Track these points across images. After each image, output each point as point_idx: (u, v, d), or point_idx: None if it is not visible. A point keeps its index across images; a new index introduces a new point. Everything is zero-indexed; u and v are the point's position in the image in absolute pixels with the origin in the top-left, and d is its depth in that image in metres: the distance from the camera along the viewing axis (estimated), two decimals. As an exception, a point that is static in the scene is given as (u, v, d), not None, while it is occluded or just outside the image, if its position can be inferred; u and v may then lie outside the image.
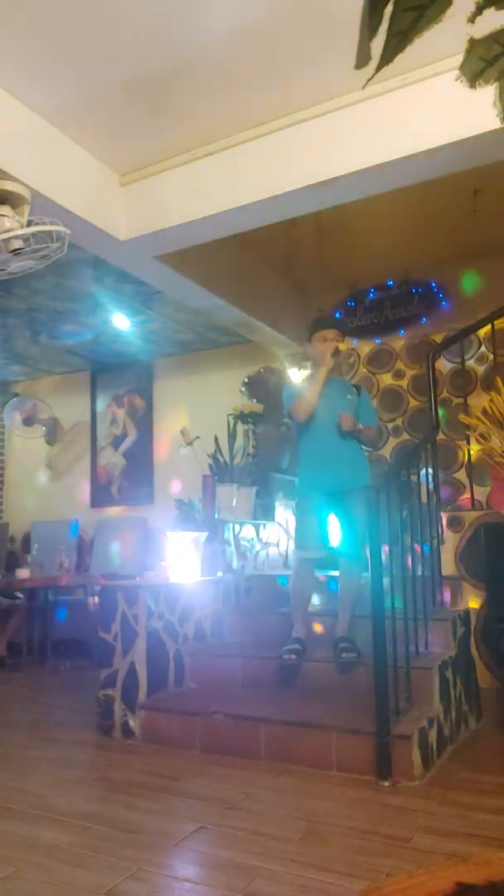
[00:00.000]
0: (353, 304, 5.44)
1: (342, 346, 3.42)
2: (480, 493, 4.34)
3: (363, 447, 3.47)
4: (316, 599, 3.73)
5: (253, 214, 3.58)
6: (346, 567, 3.29)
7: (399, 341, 5.38)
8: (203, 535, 3.89)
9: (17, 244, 2.90)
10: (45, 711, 3.81)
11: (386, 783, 2.42)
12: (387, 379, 5.43)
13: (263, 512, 4.55)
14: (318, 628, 3.41)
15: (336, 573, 3.42)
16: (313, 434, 3.37)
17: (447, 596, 3.64)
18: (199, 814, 2.22)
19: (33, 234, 2.86)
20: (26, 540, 6.51)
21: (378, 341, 5.45)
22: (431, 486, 3.67)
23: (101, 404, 6.85)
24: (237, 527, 4.19)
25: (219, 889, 1.73)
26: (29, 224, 2.97)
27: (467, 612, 3.54)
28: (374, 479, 3.28)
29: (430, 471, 3.65)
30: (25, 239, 2.88)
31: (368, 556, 2.67)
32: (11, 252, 2.91)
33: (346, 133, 3.20)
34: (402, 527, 3.01)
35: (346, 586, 3.27)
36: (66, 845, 2.01)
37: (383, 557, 2.65)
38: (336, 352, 3.37)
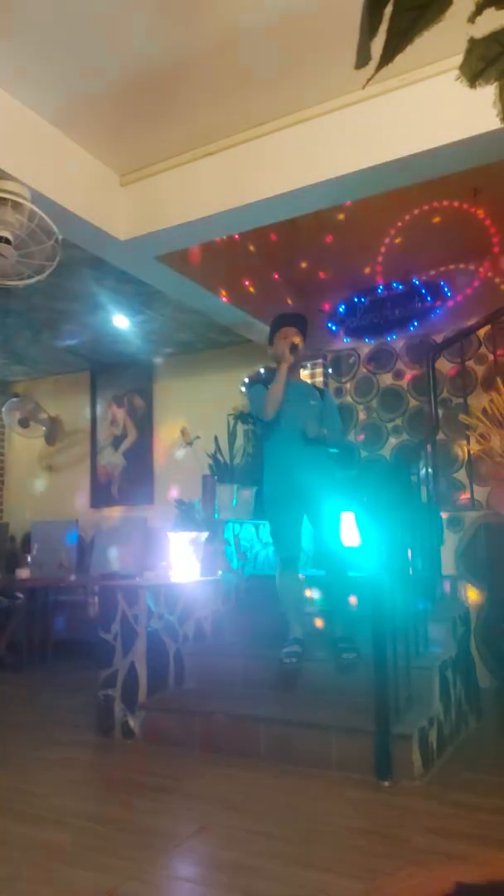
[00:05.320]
0: (353, 303, 5.44)
1: (297, 339, 3.35)
2: (480, 493, 4.34)
3: (330, 448, 3.44)
4: (309, 599, 3.72)
5: (253, 214, 3.58)
6: (330, 565, 3.30)
7: (399, 341, 5.38)
8: (203, 535, 3.89)
9: (2, 233, 2.91)
10: (45, 712, 3.81)
11: (386, 783, 2.42)
12: (387, 379, 5.43)
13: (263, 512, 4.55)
14: (316, 624, 3.41)
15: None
16: (278, 439, 3.35)
17: (447, 596, 3.64)
18: (200, 814, 2.22)
19: (12, 210, 2.86)
20: (26, 540, 6.51)
21: (370, 340, 5.45)
22: (431, 486, 3.66)
23: (101, 404, 6.84)
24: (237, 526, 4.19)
25: (219, 889, 1.73)
26: (27, 224, 2.98)
27: (467, 612, 3.54)
28: (374, 478, 3.28)
29: (430, 471, 3.64)
30: (11, 229, 2.89)
31: (368, 556, 2.67)
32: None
33: (345, 133, 3.20)
34: (401, 527, 3.01)
35: (334, 584, 3.28)
36: (66, 845, 2.01)
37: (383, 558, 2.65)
38: (293, 347, 3.33)
